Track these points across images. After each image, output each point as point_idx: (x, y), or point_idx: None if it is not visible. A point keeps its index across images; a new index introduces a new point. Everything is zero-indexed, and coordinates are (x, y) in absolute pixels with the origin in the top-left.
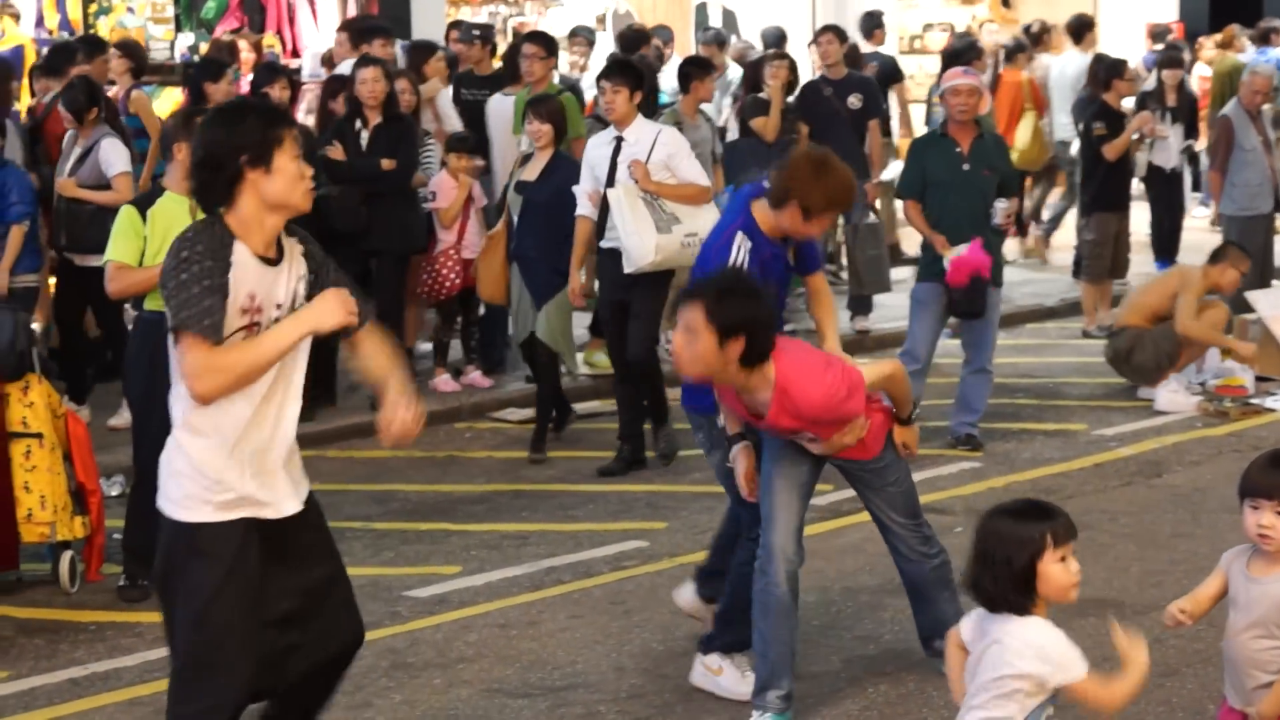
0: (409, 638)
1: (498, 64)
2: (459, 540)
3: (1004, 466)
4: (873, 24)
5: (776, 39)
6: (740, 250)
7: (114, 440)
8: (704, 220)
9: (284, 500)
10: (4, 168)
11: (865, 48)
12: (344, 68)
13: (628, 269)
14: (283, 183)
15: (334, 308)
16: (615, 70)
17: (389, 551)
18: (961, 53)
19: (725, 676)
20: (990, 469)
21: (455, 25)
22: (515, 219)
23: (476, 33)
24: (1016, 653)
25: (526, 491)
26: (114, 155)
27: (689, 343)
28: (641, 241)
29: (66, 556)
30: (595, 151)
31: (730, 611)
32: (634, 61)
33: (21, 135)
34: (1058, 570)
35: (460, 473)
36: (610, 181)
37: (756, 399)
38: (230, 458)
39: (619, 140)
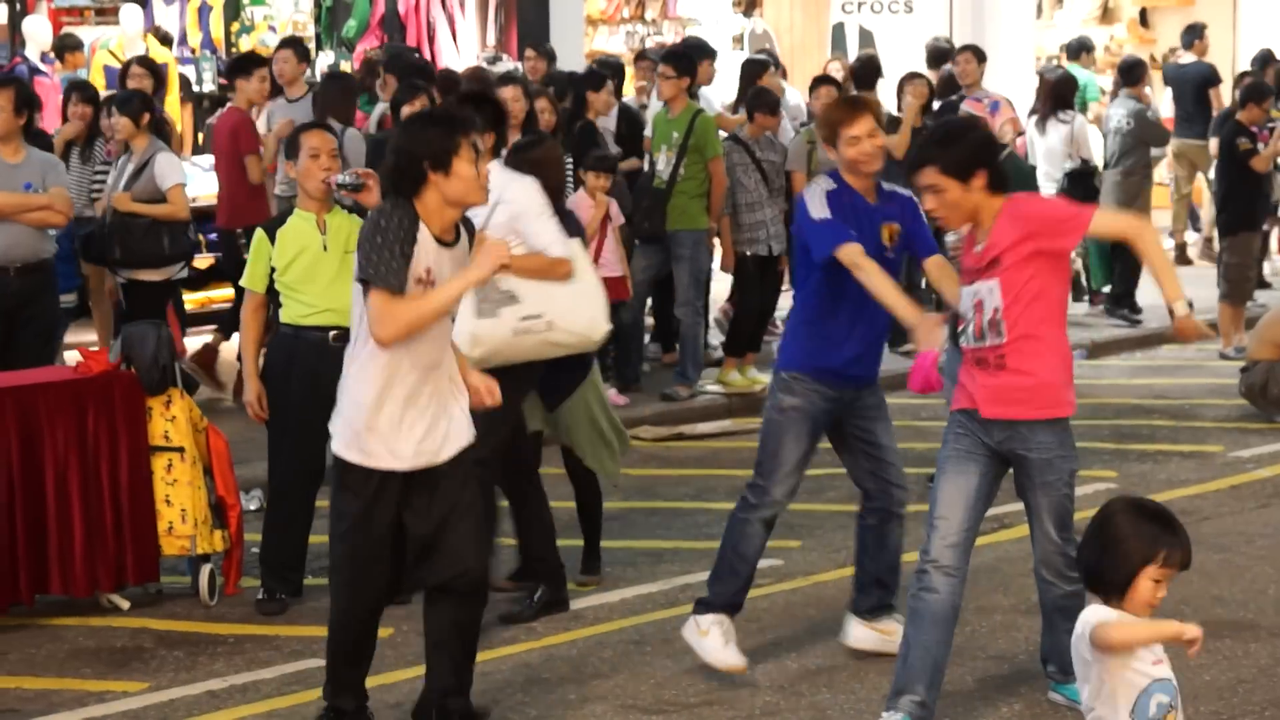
0: (544, 653)
1: None
2: None
3: (1139, 488)
4: (1192, 36)
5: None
6: (817, 189)
7: (253, 454)
8: (561, 301)
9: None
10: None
11: (1187, 58)
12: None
13: None
14: (460, 185)
15: (486, 259)
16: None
17: None
18: (1129, 70)
19: (709, 638)
20: (1125, 490)
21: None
22: None
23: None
24: (1079, 623)
25: (661, 509)
26: (169, 169)
27: (939, 198)
28: (455, 329)
29: (206, 570)
30: None
31: (717, 566)
32: (485, 95)
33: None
34: (1147, 587)
35: None
36: None
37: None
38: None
39: None
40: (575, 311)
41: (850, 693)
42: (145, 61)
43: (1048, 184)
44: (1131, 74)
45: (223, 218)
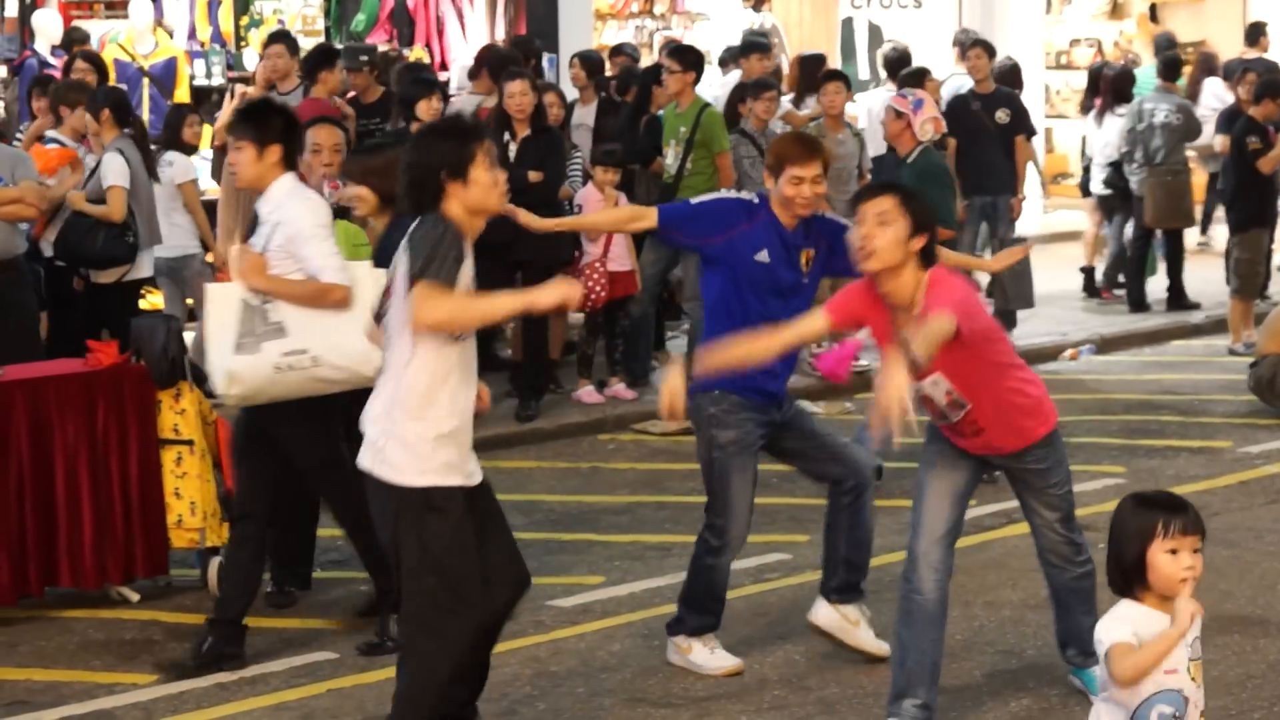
0: (552, 646)
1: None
2: (602, 551)
3: (1148, 483)
4: (1257, 33)
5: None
6: (731, 192)
7: None
8: (331, 334)
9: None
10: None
11: (1250, 55)
12: None
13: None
14: (479, 191)
15: (557, 291)
16: (240, 120)
17: (533, 561)
18: (1172, 66)
19: (695, 654)
20: (1134, 485)
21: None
22: None
23: (364, 57)
24: (1100, 630)
25: (669, 503)
26: (110, 169)
27: (883, 229)
28: (210, 363)
29: (215, 562)
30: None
31: (688, 598)
32: (272, 104)
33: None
34: (1165, 560)
35: (604, 484)
36: None
37: (912, 315)
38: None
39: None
40: (346, 345)
41: (858, 686)
42: (89, 55)
43: (1098, 172)
44: (1171, 70)
45: None
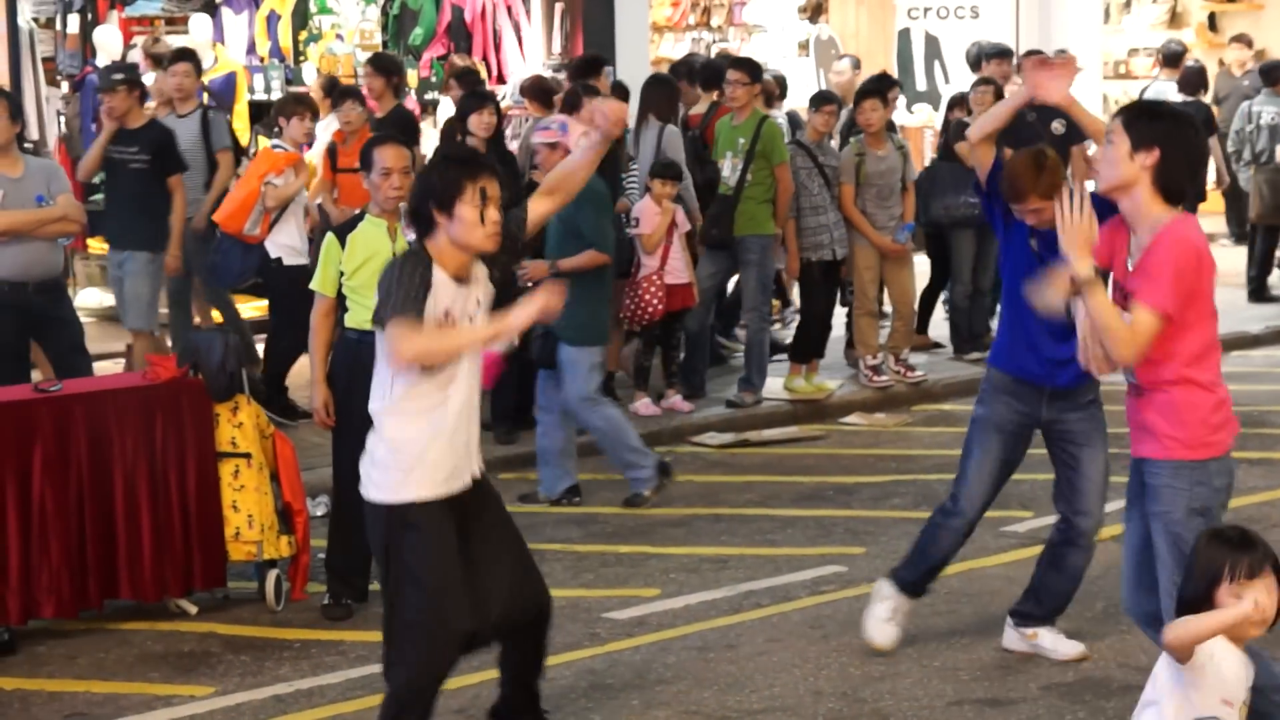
0: (608, 659)
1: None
2: (658, 563)
3: None
4: None
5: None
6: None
7: (319, 460)
8: None
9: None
10: None
11: None
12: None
13: None
14: (461, 228)
15: (529, 311)
16: None
17: (589, 574)
18: (1271, 71)
19: (875, 608)
20: None
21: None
22: None
23: (119, 76)
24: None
25: (725, 515)
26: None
27: (1107, 149)
28: None
29: (272, 575)
30: None
31: (910, 549)
32: None
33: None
34: (1232, 605)
35: (660, 496)
36: None
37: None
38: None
39: None
40: None
41: (913, 699)
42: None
43: None
44: (1271, 75)
45: None
